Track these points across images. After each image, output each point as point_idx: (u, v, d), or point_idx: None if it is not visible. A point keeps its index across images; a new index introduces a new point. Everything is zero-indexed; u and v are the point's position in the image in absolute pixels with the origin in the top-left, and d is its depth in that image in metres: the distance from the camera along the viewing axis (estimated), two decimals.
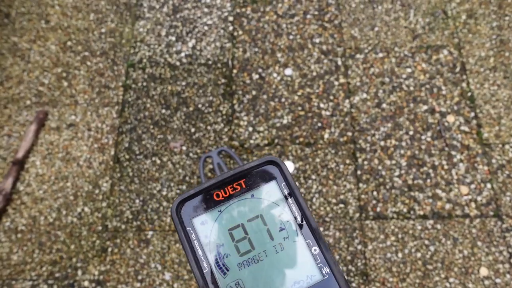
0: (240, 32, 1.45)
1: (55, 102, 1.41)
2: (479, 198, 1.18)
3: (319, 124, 1.29)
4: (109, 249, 1.21)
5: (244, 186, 0.37)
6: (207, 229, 0.36)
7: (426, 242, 1.15)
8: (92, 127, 1.37)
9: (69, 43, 1.50)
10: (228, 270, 0.35)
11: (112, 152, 1.33)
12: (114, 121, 1.37)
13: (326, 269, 0.34)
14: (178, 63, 1.43)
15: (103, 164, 1.31)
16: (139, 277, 1.17)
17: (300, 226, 0.36)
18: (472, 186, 1.19)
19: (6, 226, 1.26)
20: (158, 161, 1.30)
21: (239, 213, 0.36)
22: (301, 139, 1.28)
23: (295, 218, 0.36)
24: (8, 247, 1.24)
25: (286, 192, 0.37)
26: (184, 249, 0.35)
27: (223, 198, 0.37)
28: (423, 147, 1.24)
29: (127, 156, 1.32)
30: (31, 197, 1.29)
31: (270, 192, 0.37)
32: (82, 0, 1.57)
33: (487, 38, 1.36)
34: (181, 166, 1.29)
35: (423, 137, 1.25)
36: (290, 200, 0.37)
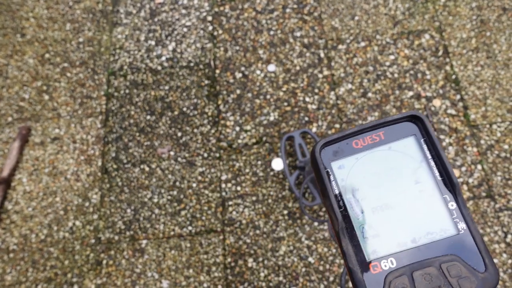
0: (220, 32, 1.43)
1: (37, 117, 1.39)
2: (470, 180, 1.18)
3: (306, 118, 1.28)
4: (104, 262, 1.19)
5: (383, 138, 0.38)
6: (344, 172, 0.38)
7: None
8: (77, 139, 1.34)
9: (47, 55, 1.47)
10: (362, 213, 0.36)
11: (100, 163, 1.31)
12: (99, 131, 1.35)
13: (462, 225, 0.34)
14: (159, 68, 1.41)
15: (91, 176, 1.29)
16: (136, 287, 1.16)
17: (437, 181, 0.36)
18: (463, 168, 1.19)
19: None
20: (147, 169, 1.28)
21: (376, 163, 0.37)
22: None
23: (433, 173, 0.36)
24: (1, 268, 1.21)
25: (425, 148, 0.37)
26: (324, 187, 0.37)
27: (361, 147, 0.38)
28: None
29: (115, 166, 1.30)
30: (21, 215, 1.27)
31: (408, 146, 0.38)
32: (57, 11, 1.54)
33: (467, 19, 1.36)
34: (170, 171, 1.27)
35: None
36: (429, 155, 0.37)
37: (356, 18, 1.39)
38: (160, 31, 1.46)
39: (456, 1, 1.38)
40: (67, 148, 1.33)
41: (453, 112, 1.25)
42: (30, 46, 1.50)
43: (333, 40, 1.37)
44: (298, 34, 1.39)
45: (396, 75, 1.30)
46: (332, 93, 1.30)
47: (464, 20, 1.36)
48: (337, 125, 1.26)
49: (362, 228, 0.35)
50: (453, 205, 0.35)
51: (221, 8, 1.47)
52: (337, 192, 0.37)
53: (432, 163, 0.37)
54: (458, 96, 1.26)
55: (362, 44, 1.36)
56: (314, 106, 1.29)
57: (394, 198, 0.36)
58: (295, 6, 1.43)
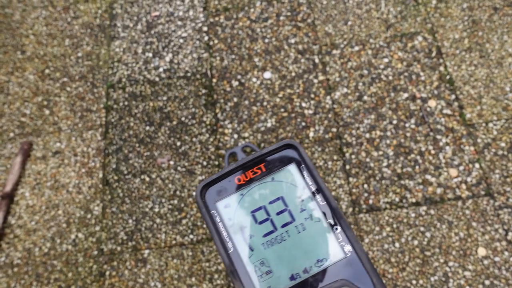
0: (216, 41, 1.45)
1: (39, 131, 1.41)
2: (469, 179, 1.18)
3: (303, 124, 1.29)
4: (107, 273, 1.20)
5: (264, 170, 0.39)
6: (230, 211, 0.37)
7: (422, 228, 1.15)
8: (78, 152, 1.36)
9: (47, 71, 1.50)
10: (253, 250, 0.36)
11: (101, 175, 1.32)
12: (99, 143, 1.37)
13: (348, 247, 0.35)
14: (157, 79, 1.43)
15: (92, 188, 1.31)
16: None
17: (320, 206, 0.37)
18: (461, 167, 1.20)
19: (1, 261, 1.25)
20: (147, 179, 1.30)
21: (261, 196, 0.38)
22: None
23: (315, 198, 0.37)
24: (5, 283, 1.22)
25: (305, 174, 0.38)
26: (210, 231, 0.36)
27: (244, 182, 0.38)
28: (408, 134, 1.24)
29: (115, 177, 1.31)
30: (24, 229, 1.28)
31: (289, 174, 0.38)
32: (56, 27, 1.57)
33: (459, 20, 1.37)
34: (170, 181, 1.28)
35: (407, 125, 1.25)
36: (309, 181, 0.38)
37: (349, 23, 1.41)
38: (157, 43, 1.48)
39: (448, 3, 1.40)
40: (68, 161, 1.35)
41: (448, 112, 1.26)
42: (30, 62, 1.53)
43: (327, 46, 1.39)
44: (292, 41, 1.41)
45: (390, 78, 1.32)
46: (328, 97, 1.32)
47: (456, 21, 1.37)
48: (334, 129, 1.27)
49: (255, 266, 0.35)
50: (337, 228, 0.36)
51: (216, 18, 1.49)
52: (225, 233, 0.36)
53: (314, 189, 0.37)
54: (453, 96, 1.27)
55: (356, 48, 1.37)
56: (310, 111, 1.31)
57: (282, 230, 0.36)
58: (288, 13, 1.45)
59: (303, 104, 1.32)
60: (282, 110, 1.32)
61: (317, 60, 1.37)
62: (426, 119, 1.25)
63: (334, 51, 1.38)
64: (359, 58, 1.36)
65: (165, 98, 1.40)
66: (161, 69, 1.44)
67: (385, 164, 1.22)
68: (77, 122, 1.41)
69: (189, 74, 1.42)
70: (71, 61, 1.51)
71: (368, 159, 1.23)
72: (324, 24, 1.42)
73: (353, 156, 1.24)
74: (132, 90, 1.43)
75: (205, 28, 1.48)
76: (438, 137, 1.23)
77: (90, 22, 1.56)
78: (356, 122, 1.28)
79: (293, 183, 0.38)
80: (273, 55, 1.40)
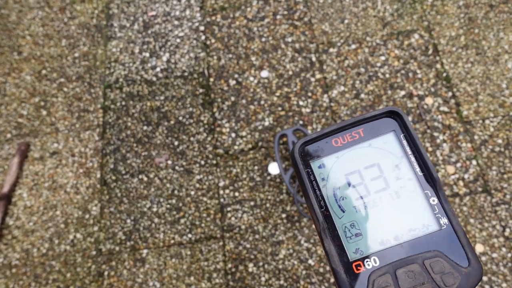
0: (213, 40, 1.45)
1: (36, 132, 1.41)
2: (466, 176, 1.18)
3: (301, 122, 1.29)
4: (106, 273, 1.20)
5: (362, 135, 0.38)
6: (324, 172, 0.37)
7: None
8: (76, 153, 1.36)
9: (43, 71, 1.50)
10: (344, 212, 0.36)
11: (98, 175, 1.32)
12: (96, 143, 1.36)
13: (444, 220, 0.34)
14: (154, 79, 1.43)
15: (90, 188, 1.31)
16: None
17: (418, 176, 0.36)
18: (458, 164, 1.20)
19: None
20: (145, 179, 1.30)
21: (357, 160, 0.37)
22: (285, 139, 1.28)
23: (414, 168, 0.36)
24: (4, 284, 1.22)
25: (405, 143, 0.37)
26: (305, 188, 0.36)
27: (341, 145, 0.38)
28: None
29: (113, 177, 1.31)
30: (22, 230, 1.28)
31: (388, 142, 0.38)
32: (52, 28, 1.57)
33: (455, 18, 1.37)
34: (168, 180, 1.28)
35: None
36: (409, 151, 0.37)
37: (346, 21, 1.41)
38: (154, 42, 1.48)
39: (444, 0, 1.40)
40: (66, 162, 1.35)
41: (445, 109, 1.26)
42: (27, 63, 1.52)
43: (324, 44, 1.39)
44: (289, 39, 1.41)
45: (387, 75, 1.32)
46: (325, 95, 1.32)
47: (452, 18, 1.38)
48: None
49: (345, 227, 0.35)
50: (434, 200, 0.35)
51: (213, 18, 1.49)
52: (318, 192, 0.37)
53: (413, 159, 0.37)
54: (450, 93, 1.28)
55: (353, 46, 1.37)
56: (308, 110, 1.31)
57: (375, 195, 0.36)
58: (285, 12, 1.46)
59: (301, 103, 1.32)
60: (280, 108, 1.32)
61: (314, 59, 1.37)
62: (423, 116, 1.25)
63: (331, 50, 1.38)
64: (356, 56, 1.36)
65: (162, 97, 1.40)
66: (158, 69, 1.44)
67: None
68: (74, 123, 1.40)
69: (186, 74, 1.42)
70: (68, 61, 1.51)
71: None
72: (320, 23, 1.42)
73: None
74: (129, 90, 1.42)
75: (202, 28, 1.48)
76: (435, 134, 1.23)
77: (86, 23, 1.56)
78: None
79: (392, 151, 0.37)
80: (270, 54, 1.40)
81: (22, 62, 1.53)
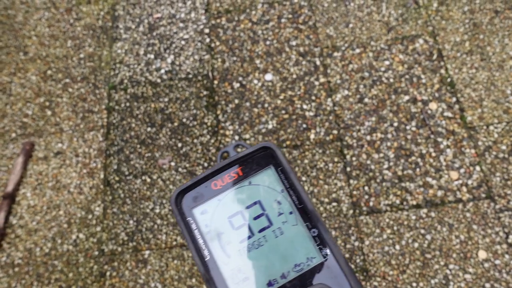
0: (217, 43, 1.46)
1: (41, 132, 1.41)
2: (469, 182, 1.18)
3: (304, 126, 1.29)
4: (108, 273, 1.20)
5: (241, 174, 0.38)
6: (207, 218, 0.36)
7: (422, 231, 1.15)
8: (80, 153, 1.37)
9: (49, 72, 1.51)
10: (229, 257, 0.35)
11: (102, 176, 1.33)
12: (100, 144, 1.37)
13: (326, 250, 0.34)
14: (159, 80, 1.43)
15: (93, 189, 1.31)
16: None
17: (298, 209, 0.36)
18: (462, 170, 1.20)
19: (2, 261, 1.25)
20: (148, 180, 1.30)
21: (238, 201, 0.37)
22: (288, 142, 1.28)
23: (293, 201, 0.36)
24: (6, 282, 1.23)
25: (282, 177, 0.37)
26: (185, 239, 0.35)
27: (221, 187, 0.37)
28: (409, 137, 1.24)
29: (116, 178, 1.32)
30: (25, 230, 1.28)
31: (267, 178, 0.37)
32: (58, 28, 1.58)
33: (460, 23, 1.37)
34: (171, 182, 1.29)
35: (408, 127, 1.26)
36: (287, 184, 0.37)
37: (351, 25, 1.42)
38: (159, 44, 1.49)
39: (449, 6, 1.40)
40: (69, 162, 1.36)
41: (449, 114, 1.26)
42: (33, 63, 1.53)
43: (329, 48, 1.39)
44: (293, 43, 1.42)
45: (391, 80, 1.32)
46: (329, 99, 1.32)
47: (457, 24, 1.37)
48: (335, 131, 1.28)
49: (232, 273, 0.34)
50: (315, 231, 0.35)
51: (218, 21, 1.50)
52: (201, 241, 0.35)
53: (291, 192, 0.36)
54: (454, 99, 1.28)
55: (357, 50, 1.38)
56: (311, 113, 1.31)
57: (259, 235, 0.35)
58: (290, 16, 1.46)
59: (304, 106, 1.32)
60: (283, 112, 1.32)
61: (318, 63, 1.38)
62: (427, 121, 1.25)
63: (335, 54, 1.38)
64: (360, 61, 1.36)
65: (166, 99, 1.40)
66: (162, 71, 1.45)
67: (385, 166, 1.22)
68: (78, 123, 1.41)
69: (190, 76, 1.43)
70: (73, 62, 1.52)
71: (369, 161, 1.23)
72: (325, 27, 1.43)
73: (353, 158, 1.24)
74: (133, 91, 1.43)
75: (206, 30, 1.49)
76: (439, 139, 1.23)
77: (92, 24, 1.57)
78: (357, 125, 1.28)
79: (271, 186, 0.37)
80: (275, 57, 1.40)
81: (28, 62, 1.54)
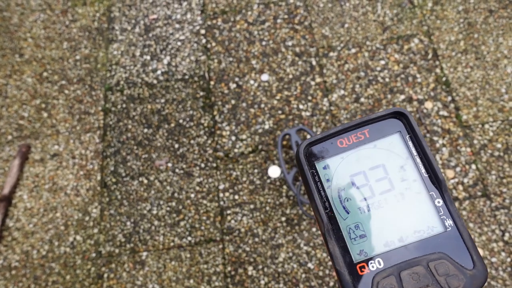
0: (214, 44, 1.46)
1: (37, 134, 1.41)
2: (465, 180, 1.19)
3: (301, 125, 1.30)
4: (105, 275, 1.20)
5: (368, 136, 0.38)
6: (329, 173, 0.37)
7: None
8: (76, 155, 1.36)
9: (45, 73, 1.51)
10: (348, 213, 0.35)
11: (99, 177, 1.32)
12: (97, 146, 1.37)
13: (449, 222, 0.34)
14: (155, 81, 1.43)
15: (90, 191, 1.31)
16: None
17: (424, 177, 0.35)
18: (458, 169, 1.20)
19: None
20: (145, 181, 1.30)
21: (362, 161, 0.37)
22: (285, 142, 1.28)
23: (419, 169, 0.36)
24: (3, 285, 1.22)
25: (410, 144, 0.37)
26: (309, 189, 0.36)
27: (346, 146, 0.37)
28: None
29: (113, 180, 1.31)
30: (22, 232, 1.28)
31: (394, 143, 0.37)
32: (54, 30, 1.58)
33: (455, 23, 1.38)
34: (168, 183, 1.29)
35: None
36: (414, 152, 0.37)
37: (346, 25, 1.42)
38: (155, 46, 1.49)
39: (443, 5, 1.41)
40: (66, 164, 1.35)
41: (445, 113, 1.26)
42: (29, 65, 1.53)
43: (324, 48, 1.40)
44: (289, 43, 1.42)
45: (387, 80, 1.33)
46: (325, 99, 1.33)
47: (451, 23, 1.38)
48: None
49: (349, 229, 0.35)
50: (439, 202, 0.34)
51: (214, 21, 1.50)
52: (322, 193, 0.36)
53: (418, 160, 0.36)
54: (449, 98, 1.28)
55: (353, 50, 1.38)
56: (308, 113, 1.31)
57: (380, 197, 0.36)
58: (285, 16, 1.46)
59: (301, 106, 1.32)
60: (280, 112, 1.33)
61: (314, 63, 1.38)
62: (423, 120, 1.25)
63: (331, 54, 1.39)
64: (356, 60, 1.36)
65: (163, 100, 1.40)
66: (159, 72, 1.44)
67: None
68: (75, 125, 1.41)
69: (187, 77, 1.43)
70: (69, 64, 1.51)
71: None
72: (321, 27, 1.43)
73: None
74: (130, 92, 1.43)
75: (202, 31, 1.49)
76: (435, 138, 1.24)
77: (88, 25, 1.57)
78: None
79: (397, 152, 0.37)
80: (271, 58, 1.41)
81: (23, 64, 1.53)
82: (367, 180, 0.36)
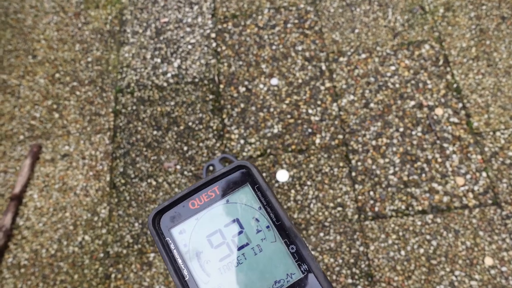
0: (224, 48, 1.47)
1: (48, 134, 1.43)
2: (476, 188, 1.18)
3: (310, 130, 1.30)
4: (113, 276, 1.21)
5: (218, 192, 0.38)
6: (185, 237, 0.37)
7: (428, 237, 1.14)
8: (86, 155, 1.38)
9: (57, 75, 1.53)
10: (209, 276, 0.35)
11: (108, 178, 1.34)
12: (107, 147, 1.38)
13: (304, 266, 0.34)
14: (165, 84, 1.45)
15: (99, 191, 1.32)
16: None
17: (276, 226, 0.36)
18: (468, 176, 1.19)
19: (8, 262, 1.26)
20: (154, 183, 1.31)
21: (216, 219, 0.37)
22: (293, 147, 1.28)
23: (271, 218, 0.37)
24: (12, 283, 1.24)
25: (259, 195, 0.37)
26: (163, 260, 0.36)
27: (198, 206, 0.38)
28: (414, 142, 1.24)
29: (122, 181, 1.32)
30: (31, 231, 1.29)
31: (244, 195, 0.38)
32: (67, 32, 1.60)
33: (466, 29, 1.37)
34: (176, 185, 1.29)
35: (413, 133, 1.25)
36: (264, 202, 0.37)
37: (356, 31, 1.42)
38: (166, 49, 1.50)
39: (455, 12, 1.41)
40: (76, 164, 1.37)
41: (455, 120, 1.26)
42: (41, 66, 1.55)
43: (334, 53, 1.40)
44: (299, 48, 1.42)
45: (397, 85, 1.32)
46: (335, 104, 1.32)
47: (463, 29, 1.38)
48: (340, 136, 1.28)
49: None
50: (293, 248, 0.35)
51: (224, 25, 1.51)
52: (180, 261, 0.36)
53: (269, 209, 0.37)
54: (460, 105, 1.27)
55: (363, 56, 1.38)
56: (317, 118, 1.31)
57: (239, 253, 0.36)
58: (296, 21, 1.47)
59: (310, 111, 1.32)
60: (289, 116, 1.33)
61: (324, 67, 1.38)
62: (433, 127, 1.25)
63: (341, 59, 1.39)
64: (366, 66, 1.36)
65: (172, 103, 1.41)
66: (169, 75, 1.46)
67: (391, 171, 1.22)
68: (85, 126, 1.42)
69: (196, 80, 1.44)
70: (81, 65, 1.53)
71: (374, 166, 1.23)
72: (331, 32, 1.43)
73: (359, 163, 1.24)
74: (140, 95, 1.44)
75: (213, 35, 1.50)
76: (445, 145, 1.23)
77: (100, 28, 1.59)
78: (363, 129, 1.28)
79: (248, 204, 0.37)
80: (280, 62, 1.41)
81: (36, 66, 1.56)
82: (223, 238, 0.36)
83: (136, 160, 1.35)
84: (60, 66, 1.54)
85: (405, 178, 1.20)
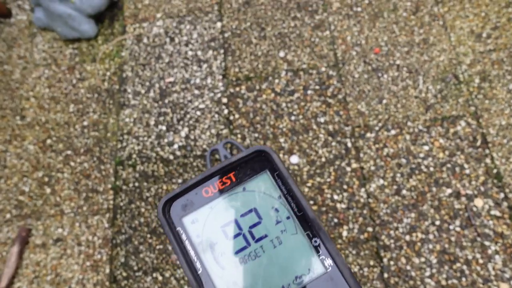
0: (237, 116, 1.32)
1: (38, 214, 1.27)
2: None
3: (336, 220, 1.16)
4: None
5: (234, 180, 0.35)
6: (198, 227, 0.34)
7: None
8: (82, 241, 1.22)
9: (48, 141, 1.36)
10: (224, 269, 0.33)
11: (107, 270, 1.18)
12: (106, 231, 1.23)
13: (329, 261, 0.32)
14: (171, 157, 1.29)
15: (98, 286, 1.17)
16: None
17: (297, 217, 0.34)
18: None
19: None
20: (160, 278, 1.16)
21: (231, 208, 0.35)
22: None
23: (292, 209, 0.34)
24: None
25: (279, 183, 0.35)
26: (174, 251, 0.33)
27: (212, 194, 0.35)
28: (452, 238, 1.12)
29: (124, 274, 1.17)
30: None
31: (262, 183, 0.35)
32: (59, 90, 1.43)
33: (505, 103, 1.25)
34: (186, 282, 1.15)
35: (451, 227, 1.13)
36: (284, 191, 0.34)
37: (384, 101, 1.29)
38: (171, 114, 1.35)
39: (492, 82, 1.28)
40: (71, 252, 1.21)
41: (497, 213, 1.13)
42: (31, 130, 1.39)
43: (361, 127, 1.26)
44: (322, 119, 1.28)
45: (431, 169, 1.19)
46: (363, 189, 1.19)
47: (501, 104, 1.25)
48: (370, 228, 1.15)
49: (227, 287, 0.32)
50: (316, 241, 0.32)
51: (237, 89, 1.36)
52: (192, 253, 0.33)
53: (290, 199, 0.34)
54: (502, 195, 1.15)
55: (393, 132, 1.25)
56: (343, 205, 1.18)
57: (256, 245, 0.33)
58: (317, 87, 1.33)
59: (335, 197, 1.19)
60: (312, 202, 1.19)
61: (349, 144, 1.25)
62: (473, 221, 1.12)
63: (368, 134, 1.25)
64: (396, 144, 1.23)
65: (180, 180, 1.26)
66: (175, 146, 1.31)
67: (427, 273, 1.09)
68: (81, 205, 1.27)
69: (207, 153, 1.29)
70: (76, 130, 1.37)
71: (408, 267, 1.10)
72: (356, 101, 1.30)
73: (391, 262, 1.11)
74: (143, 168, 1.29)
75: (224, 100, 1.35)
76: (486, 243, 1.11)
77: (97, 86, 1.43)
78: (395, 221, 1.15)
79: (267, 192, 0.35)
80: (301, 136, 1.27)
81: (25, 128, 1.39)
82: (240, 229, 0.34)
83: (139, 249, 1.20)
84: (52, 130, 1.38)
85: (444, 282, 1.08)
